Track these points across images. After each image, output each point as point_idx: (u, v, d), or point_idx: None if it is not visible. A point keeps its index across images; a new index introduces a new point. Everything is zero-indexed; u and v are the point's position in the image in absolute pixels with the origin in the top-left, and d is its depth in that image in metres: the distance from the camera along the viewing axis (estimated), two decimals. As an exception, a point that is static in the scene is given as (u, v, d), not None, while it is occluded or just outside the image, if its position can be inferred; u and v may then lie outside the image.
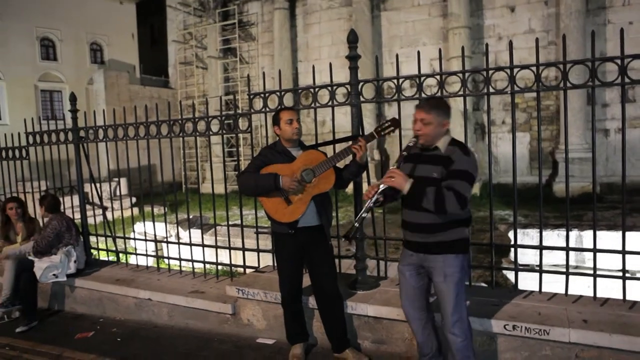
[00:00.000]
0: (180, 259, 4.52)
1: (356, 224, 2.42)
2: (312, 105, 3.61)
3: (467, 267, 2.54)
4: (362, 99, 3.42)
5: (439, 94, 3.16)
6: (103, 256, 4.97)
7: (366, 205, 2.40)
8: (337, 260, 3.48)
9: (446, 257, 2.36)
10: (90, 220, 4.90)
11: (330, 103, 3.55)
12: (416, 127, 2.36)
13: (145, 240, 4.56)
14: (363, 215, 2.40)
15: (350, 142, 2.91)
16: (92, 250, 4.73)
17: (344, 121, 10.20)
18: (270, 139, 8.28)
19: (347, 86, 3.45)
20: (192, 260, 4.37)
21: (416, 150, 2.44)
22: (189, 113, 13.48)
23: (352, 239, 2.40)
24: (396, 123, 2.78)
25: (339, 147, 3.35)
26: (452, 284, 2.35)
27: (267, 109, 3.80)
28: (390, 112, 11.39)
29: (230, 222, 6.29)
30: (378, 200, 2.38)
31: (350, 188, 3.49)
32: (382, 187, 2.34)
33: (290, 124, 2.89)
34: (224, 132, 4.12)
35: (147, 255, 4.51)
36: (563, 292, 2.97)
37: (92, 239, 5.15)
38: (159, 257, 4.65)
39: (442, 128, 2.39)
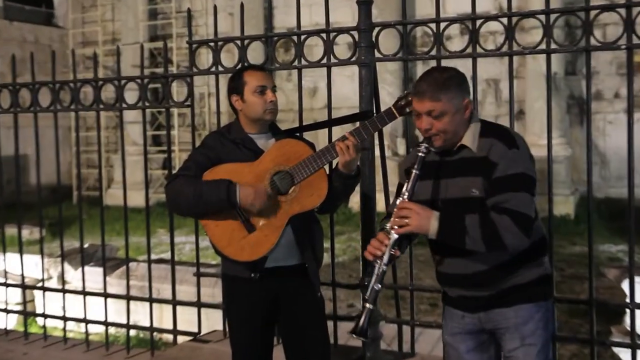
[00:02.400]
0: (65, 318, 4.51)
1: (368, 305, 2.36)
2: (296, 62, 3.66)
3: (552, 321, 2.58)
4: (377, 54, 3.47)
5: (505, 47, 3.22)
6: None
7: (375, 271, 2.37)
8: (330, 323, 3.49)
9: (520, 309, 2.42)
10: None
11: (325, 60, 3.58)
12: (423, 125, 2.39)
13: (6, 285, 4.55)
14: (375, 287, 2.39)
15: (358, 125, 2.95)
16: None
17: (349, 89, 10.26)
18: (224, 118, 8.28)
19: (353, 32, 3.50)
20: (86, 321, 4.36)
21: (433, 157, 2.46)
22: (87, 71, 13.53)
23: (363, 334, 2.39)
24: None
25: (338, 133, 3.38)
26: (534, 350, 2.40)
27: (221, 68, 3.84)
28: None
29: (153, 257, 6.33)
30: (392, 258, 2.40)
31: (354, 201, 3.52)
32: (393, 238, 2.35)
33: (260, 95, 2.92)
34: (147, 104, 4.17)
35: (6, 311, 4.50)
36: None
37: None
38: (27, 315, 4.63)
39: (464, 113, 2.43)
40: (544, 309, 2.44)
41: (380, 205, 3.88)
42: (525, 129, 10.96)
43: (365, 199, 3.48)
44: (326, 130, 3.47)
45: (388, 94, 10.07)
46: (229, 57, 4.58)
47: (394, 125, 10.75)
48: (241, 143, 2.92)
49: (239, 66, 3.61)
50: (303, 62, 3.63)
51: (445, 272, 2.49)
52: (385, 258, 2.34)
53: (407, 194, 2.38)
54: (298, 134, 3.23)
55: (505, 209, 2.26)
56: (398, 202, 2.38)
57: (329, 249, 3.63)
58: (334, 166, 2.96)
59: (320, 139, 4.17)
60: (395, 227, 2.33)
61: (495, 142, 2.35)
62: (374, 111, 3.39)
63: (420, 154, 2.39)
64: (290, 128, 3.22)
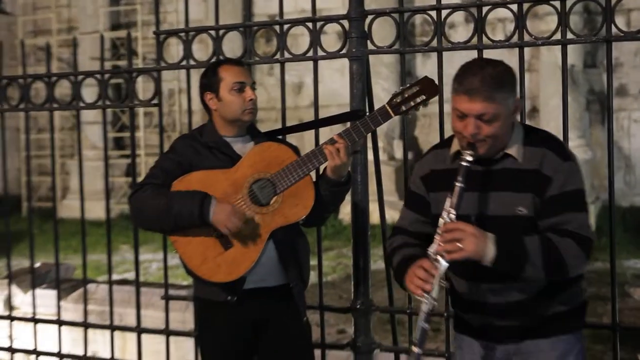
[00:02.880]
0: (12, 350, 4.47)
1: (416, 350, 2.26)
2: (278, 55, 3.67)
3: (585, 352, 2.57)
4: (370, 45, 3.48)
5: (515, 37, 3.23)
6: None
7: (424, 309, 2.27)
8: (318, 352, 3.49)
9: (558, 340, 2.41)
10: None
11: (311, 52, 3.59)
12: (469, 129, 2.30)
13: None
14: (424, 327, 2.26)
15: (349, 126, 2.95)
16: None
17: (338, 84, 10.28)
18: (196, 119, 8.24)
19: (343, 21, 3.50)
20: (37, 352, 4.32)
21: (474, 167, 2.38)
22: (39, 64, 13.44)
23: None
24: (431, 87, 2.85)
25: (327, 134, 3.37)
26: None
27: (193, 62, 3.83)
28: (426, 69, 11.61)
29: (115, 277, 6.28)
30: (441, 287, 2.28)
31: (345, 212, 3.51)
32: (442, 266, 2.25)
33: (238, 92, 2.94)
34: (108, 103, 4.17)
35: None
36: None
37: None
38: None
39: (514, 115, 2.37)
40: (580, 340, 2.45)
41: (375, 217, 3.89)
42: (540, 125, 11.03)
43: (357, 209, 3.48)
44: (313, 132, 3.47)
45: (383, 89, 10.10)
46: (202, 49, 4.58)
47: (390, 125, 10.80)
48: (216, 147, 2.93)
49: (214, 60, 3.61)
50: (286, 54, 3.63)
51: (470, 298, 2.44)
52: (435, 292, 2.25)
53: (453, 212, 2.27)
54: (281, 137, 3.23)
55: (567, 231, 2.25)
56: (442, 222, 2.27)
57: (316, 266, 3.63)
58: (321, 172, 2.96)
59: (306, 141, 4.15)
60: (445, 253, 2.23)
61: (548, 152, 2.33)
62: (367, 110, 3.40)
63: (464, 163, 2.30)
64: (271, 130, 3.22)
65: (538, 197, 2.29)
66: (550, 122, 11.08)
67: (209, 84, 2.97)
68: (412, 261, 2.35)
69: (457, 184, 2.28)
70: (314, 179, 2.96)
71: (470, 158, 2.30)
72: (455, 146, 2.44)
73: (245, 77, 2.96)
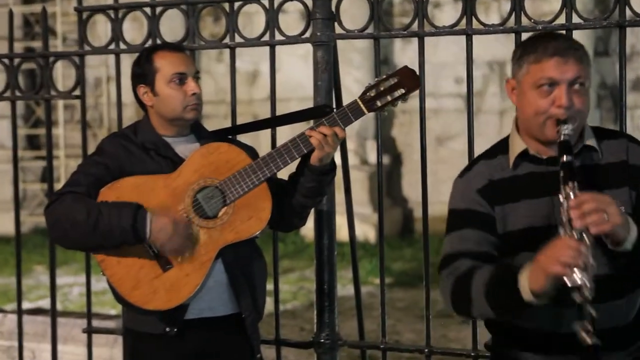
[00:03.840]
0: None
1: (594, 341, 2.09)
2: (228, 39, 3.68)
3: None
4: (339, 29, 3.51)
5: (512, 22, 3.30)
6: None
7: (584, 292, 2.07)
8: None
9: None
10: None
11: (268, 36, 3.60)
12: (563, 101, 2.27)
13: None
14: (593, 313, 2.09)
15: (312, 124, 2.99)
16: None
17: (302, 74, 10.18)
18: (129, 113, 8.16)
19: (305, -1, 3.56)
20: None
21: (541, 169, 2.39)
22: None
23: None
24: (411, 79, 2.89)
25: (286, 134, 3.40)
26: None
27: (124, 45, 3.82)
28: (406, 56, 11.70)
29: (27, 305, 6.21)
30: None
31: (308, 227, 3.54)
32: (588, 241, 2.10)
33: (179, 85, 2.94)
34: (19, 94, 4.13)
35: None
36: None
37: None
38: None
39: None
40: None
41: (343, 233, 3.92)
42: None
43: (322, 223, 3.52)
44: (268, 132, 3.49)
45: (355, 80, 10.12)
46: (135, 30, 4.57)
47: (362, 123, 10.79)
48: (153, 149, 2.94)
49: (149, 44, 3.61)
50: (238, 38, 3.64)
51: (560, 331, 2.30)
52: (590, 269, 2.06)
53: (576, 189, 2.15)
54: (231, 137, 3.25)
55: None
56: (564, 205, 2.13)
57: (271, 291, 3.65)
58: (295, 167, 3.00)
59: (262, 142, 4.17)
60: (590, 226, 2.08)
61: (630, 144, 2.37)
62: (334, 105, 3.43)
63: (563, 137, 2.24)
64: (221, 128, 3.24)
65: (634, 190, 2.31)
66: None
67: (143, 74, 2.96)
68: (511, 270, 2.18)
69: (564, 159, 2.21)
70: (296, 171, 2.98)
71: (568, 130, 2.25)
72: (518, 147, 2.40)
73: (186, 66, 2.95)
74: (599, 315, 2.10)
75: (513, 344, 2.42)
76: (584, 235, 2.08)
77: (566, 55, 2.27)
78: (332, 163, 2.97)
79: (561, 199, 2.16)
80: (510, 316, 2.28)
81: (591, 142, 2.37)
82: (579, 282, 2.04)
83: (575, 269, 2.04)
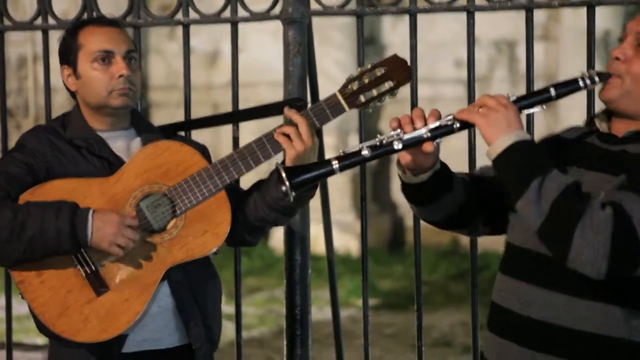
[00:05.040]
0: None
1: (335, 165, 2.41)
2: (181, 14, 3.67)
3: None
4: (315, 4, 3.51)
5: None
6: None
7: (389, 135, 2.41)
8: None
9: None
10: None
11: (229, 12, 3.60)
12: (616, 51, 2.41)
13: None
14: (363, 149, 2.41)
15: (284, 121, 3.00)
16: None
17: (272, 54, 10.14)
18: (60, 100, 8.10)
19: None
20: None
21: (587, 137, 2.52)
22: None
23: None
24: (402, 69, 2.90)
25: (250, 131, 3.41)
26: None
27: (53, 21, 3.81)
28: (397, 35, 11.67)
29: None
30: (418, 143, 2.41)
31: (277, 238, 3.54)
32: (444, 120, 2.41)
33: (104, 64, 2.93)
34: None
35: None
36: None
37: None
38: None
39: None
40: None
41: (319, 245, 3.92)
42: (558, 117, 11.17)
43: (293, 235, 3.53)
44: (229, 128, 3.47)
45: (335, 62, 10.16)
46: (68, 2, 4.52)
47: (344, 114, 10.76)
48: (85, 146, 2.92)
49: (76, 19, 3.57)
50: (192, 14, 3.64)
51: (501, 304, 2.49)
52: (411, 134, 2.38)
53: (515, 96, 2.44)
54: (184, 133, 3.25)
55: (615, 203, 2.25)
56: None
57: (232, 316, 3.66)
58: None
59: (223, 139, 4.14)
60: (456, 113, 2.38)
61: None
62: (308, 96, 3.45)
63: (582, 76, 2.39)
64: (170, 124, 3.23)
65: (629, 177, 2.32)
66: (573, 109, 11.16)
67: (65, 53, 2.97)
68: None
69: (551, 88, 2.40)
70: (271, 175, 2.94)
71: (593, 73, 2.38)
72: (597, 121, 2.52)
73: (114, 42, 2.93)
74: (524, 298, 2.39)
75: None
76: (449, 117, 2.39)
77: None
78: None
79: None
80: None
81: None
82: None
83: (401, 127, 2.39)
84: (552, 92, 2.39)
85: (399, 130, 2.39)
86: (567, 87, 2.41)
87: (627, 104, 2.39)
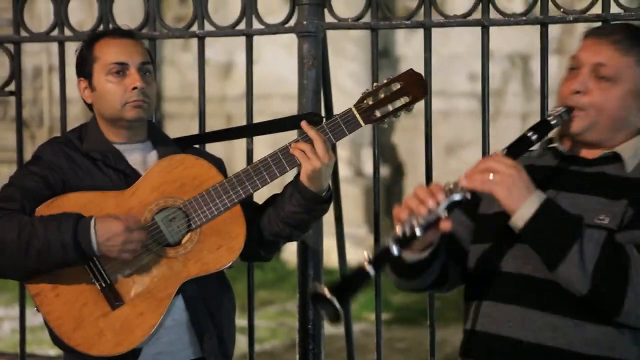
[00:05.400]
0: None
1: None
2: (196, 27, 3.69)
3: None
4: (329, 17, 3.52)
5: (537, 10, 3.31)
6: None
7: (405, 226, 2.33)
8: None
9: None
10: None
11: (244, 25, 3.60)
12: (573, 84, 2.41)
13: None
14: (392, 247, 2.32)
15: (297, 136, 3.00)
16: None
17: (286, 66, 10.20)
18: (75, 111, 8.12)
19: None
20: None
21: (551, 160, 2.53)
22: None
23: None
24: (417, 84, 2.90)
25: (264, 145, 3.42)
26: None
27: (69, 31, 3.82)
28: (410, 48, 11.66)
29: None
30: (434, 226, 2.33)
31: (290, 251, 3.53)
32: (454, 196, 2.34)
33: (119, 77, 2.93)
34: None
35: None
36: None
37: None
38: None
39: (637, 105, 2.44)
40: None
41: (332, 259, 3.92)
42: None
43: (306, 248, 3.53)
44: (244, 142, 3.48)
45: (349, 75, 10.15)
46: (84, 13, 4.53)
47: (359, 134, 10.76)
48: (101, 159, 2.93)
49: (92, 32, 3.57)
50: (208, 26, 3.65)
51: (493, 333, 2.45)
52: (427, 217, 2.30)
53: (505, 150, 2.38)
54: (199, 146, 3.25)
55: None
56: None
57: (245, 329, 3.67)
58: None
59: (237, 153, 4.13)
60: (464, 181, 2.31)
61: None
62: (322, 110, 3.45)
63: (550, 118, 2.41)
64: (185, 136, 3.23)
65: (633, 206, 2.33)
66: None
67: (82, 66, 2.98)
68: None
69: (528, 133, 2.40)
70: (285, 189, 2.95)
71: (559, 111, 2.39)
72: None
73: (129, 55, 2.94)
74: (519, 323, 2.37)
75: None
76: (455, 187, 2.31)
77: (602, 37, 2.40)
78: (328, 192, 2.95)
79: None
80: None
81: (624, 151, 2.42)
82: (400, 233, 2.29)
83: (414, 220, 2.29)
84: (533, 136, 2.39)
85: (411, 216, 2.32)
86: (545, 128, 2.42)
87: (594, 134, 2.41)
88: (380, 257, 2.31)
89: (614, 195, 2.36)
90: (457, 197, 2.30)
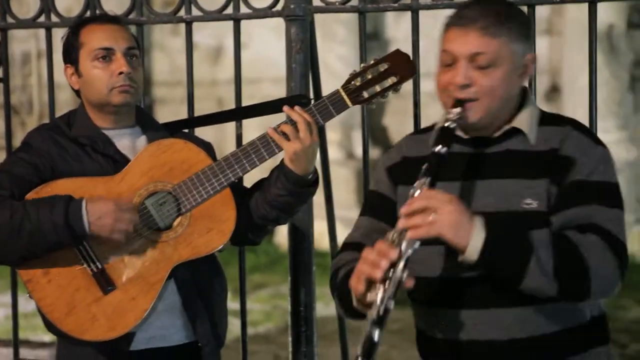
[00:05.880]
0: None
1: None
2: (183, 11, 3.68)
3: None
4: (317, 1, 3.51)
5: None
6: None
7: (374, 313, 2.23)
8: None
9: None
10: None
11: (231, 9, 3.61)
12: (457, 78, 2.38)
13: None
14: (373, 337, 2.25)
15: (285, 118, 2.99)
16: None
17: (275, 50, 10.15)
18: (65, 97, 8.09)
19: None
20: None
21: (461, 148, 2.48)
22: None
23: None
24: (405, 64, 2.91)
25: (254, 128, 3.42)
26: None
27: (56, 18, 3.81)
28: (400, 30, 11.63)
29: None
30: (400, 286, 2.21)
31: (282, 235, 3.54)
32: (404, 248, 2.23)
33: (104, 62, 2.93)
34: None
35: None
36: None
37: None
38: None
39: (523, 76, 2.46)
40: None
41: (323, 242, 3.92)
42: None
43: (297, 231, 3.54)
44: (232, 125, 3.50)
45: (339, 58, 10.13)
46: (71, 0, 4.49)
47: (348, 110, 10.73)
48: (90, 145, 2.93)
49: (78, 17, 3.58)
50: (195, 11, 3.64)
51: (459, 339, 2.45)
52: (392, 284, 2.20)
53: (428, 181, 2.28)
54: (188, 130, 3.25)
55: (591, 225, 2.28)
56: (406, 204, 2.25)
57: (238, 312, 3.68)
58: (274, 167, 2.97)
59: (228, 136, 4.14)
60: (409, 229, 2.21)
61: (573, 132, 2.40)
62: (311, 93, 3.45)
63: (448, 123, 2.36)
64: (174, 121, 3.23)
65: (555, 184, 2.34)
66: (578, 107, 11.11)
67: (68, 52, 2.98)
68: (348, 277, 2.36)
69: (436, 149, 2.32)
70: (272, 174, 2.95)
71: (455, 114, 2.35)
72: (440, 124, 2.46)
73: (114, 40, 2.93)
74: (487, 324, 2.37)
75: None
76: (402, 238, 2.21)
77: (468, 26, 2.36)
78: (314, 176, 2.95)
79: (410, 193, 2.28)
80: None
81: (522, 125, 2.43)
82: (380, 300, 2.20)
83: (372, 285, 2.22)
84: (442, 149, 2.32)
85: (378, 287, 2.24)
86: (449, 136, 2.36)
87: (489, 118, 2.40)
88: (368, 349, 2.24)
89: (533, 175, 2.36)
90: (409, 252, 2.21)
